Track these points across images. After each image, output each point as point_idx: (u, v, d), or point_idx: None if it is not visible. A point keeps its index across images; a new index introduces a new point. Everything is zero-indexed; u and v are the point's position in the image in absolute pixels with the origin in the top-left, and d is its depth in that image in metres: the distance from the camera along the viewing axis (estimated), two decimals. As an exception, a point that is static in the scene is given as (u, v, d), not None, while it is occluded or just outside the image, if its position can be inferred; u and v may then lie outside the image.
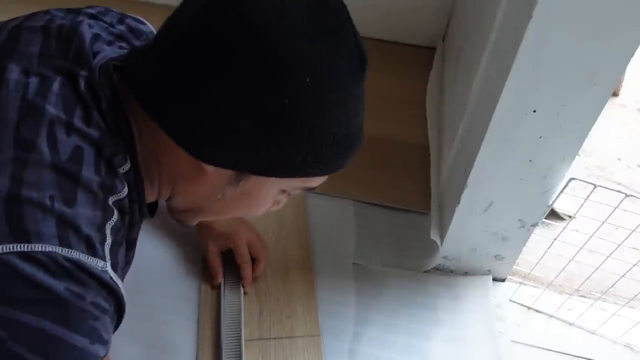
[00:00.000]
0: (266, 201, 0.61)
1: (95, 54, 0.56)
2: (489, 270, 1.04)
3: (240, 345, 0.89)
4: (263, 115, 0.50)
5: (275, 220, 1.08)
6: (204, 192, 0.57)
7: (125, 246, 0.58)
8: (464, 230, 0.95)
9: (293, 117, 0.51)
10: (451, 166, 1.02)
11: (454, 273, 1.05)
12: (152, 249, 0.99)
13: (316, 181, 0.59)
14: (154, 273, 0.96)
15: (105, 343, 0.51)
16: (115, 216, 0.52)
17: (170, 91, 0.52)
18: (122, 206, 0.54)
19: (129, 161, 0.54)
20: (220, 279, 0.94)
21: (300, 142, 0.52)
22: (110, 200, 0.52)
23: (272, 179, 0.56)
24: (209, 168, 0.54)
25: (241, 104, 0.50)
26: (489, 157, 0.82)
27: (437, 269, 1.05)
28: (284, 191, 0.60)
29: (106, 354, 0.52)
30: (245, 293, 0.95)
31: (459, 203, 0.90)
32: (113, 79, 0.55)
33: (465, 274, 1.05)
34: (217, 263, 0.94)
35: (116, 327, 0.56)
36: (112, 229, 0.52)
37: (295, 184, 0.58)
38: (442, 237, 0.99)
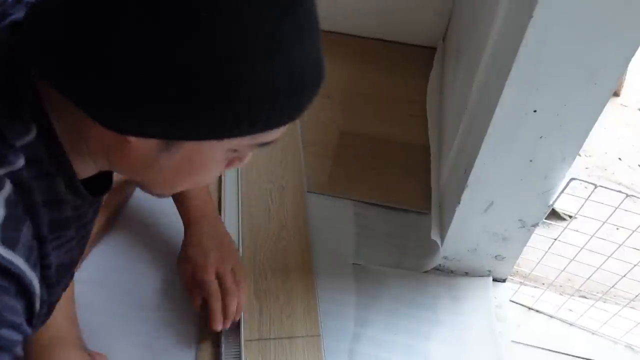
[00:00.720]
0: (214, 166, 0.54)
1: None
2: (489, 271, 1.03)
3: (240, 345, 0.89)
4: (175, 74, 0.43)
5: (275, 220, 1.08)
6: (137, 164, 0.52)
7: (57, 226, 0.54)
8: (464, 230, 0.95)
9: (213, 73, 0.43)
10: (451, 166, 1.02)
11: (454, 273, 1.05)
12: (151, 251, 0.99)
13: (270, 135, 0.51)
14: (153, 275, 0.96)
15: (11, 326, 0.46)
16: (8, 188, 0.47)
17: (69, 59, 0.45)
18: (20, 179, 0.48)
19: (34, 132, 0.49)
20: (199, 303, 0.90)
21: (226, 100, 0.45)
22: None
23: (210, 142, 0.49)
24: (132, 139, 0.48)
25: (148, 64, 0.42)
26: (490, 157, 0.82)
27: (437, 269, 1.05)
28: (235, 150, 0.53)
29: (22, 340, 0.47)
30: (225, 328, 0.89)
31: (459, 203, 0.90)
32: (11, 41, 0.49)
33: (466, 274, 1.05)
34: (189, 289, 0.91)
35: (33, 314, 0.51)
36: (5, 200, 0.47)
37: (243, 142, 0.51)
38: (442, 237, 0.99)
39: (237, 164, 0.58)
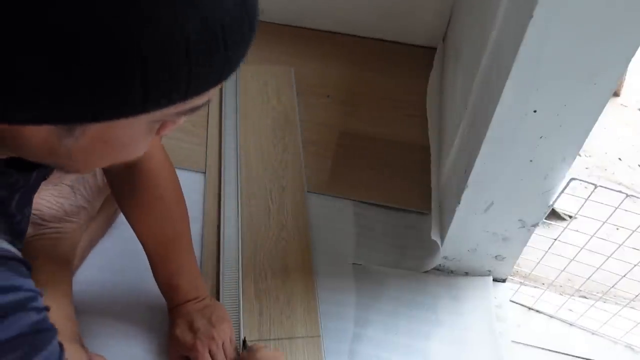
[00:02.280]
0: (137, 141, 0.48)
1: None
2: (489, 271, 1.03)
3: (239, 345, 0.89)
4: (48, 42, 0.35)
5: (275, 220, 1.08)
6: (41, 151, 0.46)
7: None
8: (465, 230, 0.95)
9: (96, 37, 0.35)
10: (451, 166, 1.02)
11: (454, 273, 1.05)
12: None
13: (198, 100, 0.45)
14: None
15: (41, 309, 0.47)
16: None
17: None
18: None
19: None
20: None
21: (124, 71, 0.37)
22: None
23: (122, 120, 0.42)
24: (25, 128, 0.42)
25: (17, 39, 0.35)
26: (490, 157, 0.82)
27: (437, 269, 1.05)
28: (161, 120, 0.47)
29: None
30: None
31: (459, 203, 0.90)
32: None
33: (466, 274, 1.04)
34: None
35: None
36: None
37: (167, 112, 0.44)
38: (442, 237, 0.99)
39: (171, 127, 0.52)
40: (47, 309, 0.49)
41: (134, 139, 0.47)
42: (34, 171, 0.58)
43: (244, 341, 0.89)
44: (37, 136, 0.43)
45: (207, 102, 0.47)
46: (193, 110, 0.46)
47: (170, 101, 0.41)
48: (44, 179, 0.64)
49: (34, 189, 0.61)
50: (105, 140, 0.45)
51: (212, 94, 0.46)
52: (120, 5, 0.35)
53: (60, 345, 0.49)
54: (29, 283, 0.49)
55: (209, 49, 0.39)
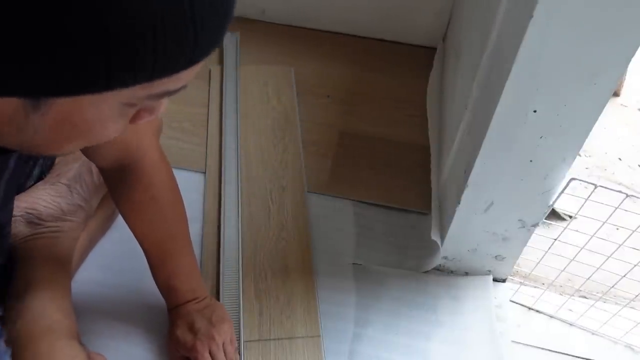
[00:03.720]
0: (103, 122, 0.46)
1: None
2: (489, 271, 1.03)
3: (240, 346, 0.89)
4: (8, 13, 0.35)
5: (275, 220, 1.08)
6: (8, 130, 0.45)
7: None
8: (465, 230, 0.95)
9: (57, 11, 0.35)
10: (451, 166, 1.02)
11: (454, 273, 1.05)
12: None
13: (171, 82, 0.43)
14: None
15: None
16: None
17: None
18: None
19: None
20: None
21: (85, 43, 0.36)
22: None
23: (87, 96, 0.41)
24: None
25: None
26: (490, 157, 0.82)
27: (437, 269, 1.05)
28: (132, 104, 0.46)
29: None
30: None
31: (459, 203, 0.90)
32: None
33: (466, 274, 1.04)
34: None
35: None
36: None
37: (137, 94, 0.43)
38: (442, 237, 0.99)
39: (147, 116, 0.50)
40: None
41: (102, 121, 0.46)
42: (8, 156, 0.57)
43: None
44: (3, 113, 0.42)
45: (182, 87, 0.45)
46: (165, 94, 0.45)
47: (135, 79, 0.40)
48: (34, 176, 0.64)
49: (15, 180, 0.60)
50: (73, 120, 0.44)
51: (186, 78, 0.44)
52: None
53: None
54: None
55: (177, 27, 0.38)
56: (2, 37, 0.36)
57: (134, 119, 0.49)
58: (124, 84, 0.40)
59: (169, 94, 0.45)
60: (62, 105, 0.42)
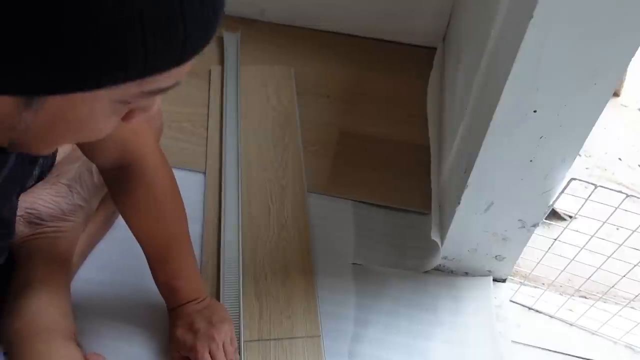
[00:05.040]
0: (96, 120, 0.46)
1: None
2: (489, 271, 1.03)
3: (239, 346, 0.89)
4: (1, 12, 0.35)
5: (275, 220, 1.08)
6: (0, 127, 0.45)
7: None
8: (465, 230, 0.95)
9: (47, 9, 0.35)
10: (451, 166, 1.02)
11: (454, 273, 1.05)
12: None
13: (162, 80, 0.43)
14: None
15: None
16: None
17: None
18: None
19: None
20: None
21: (75, 40, 0.36)
22: None
23: (79, 94, 0.41)
24: None
25: None
26: (490, 157, 0.82)
27: (438, 270, 1.05)
28: (125, 102, 0.45)
29: None
30: None
31: (459, 203, 0.90)
32: None
33: (466, 274, 1.04)
34: None
35: None
36: None
37: (129, 91, 0.43)
38: (442, 238, 0.99)
39: (140, 114, 0.50)
40: None
41: (95, 118, 0.46)
42: (6, 155, 0.57)
43: None
44: None
45: (175, 85, 0.46)
46: (158, 92, 0.45)
47: (127, 76, 0.41)
48: (34, 176, 0.64)
49: (15, 178, 0.59)
50: (65, 117, 0.44)
51: (178, 76, 0.44)
52: None
53: None
54: None
55: (166, 24, 0.39)
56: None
57: (127, 117, 0.49)
58: (115, 81, 0.40)
59: (161, 91, 0.45)
60: (54, 103, 0.42)
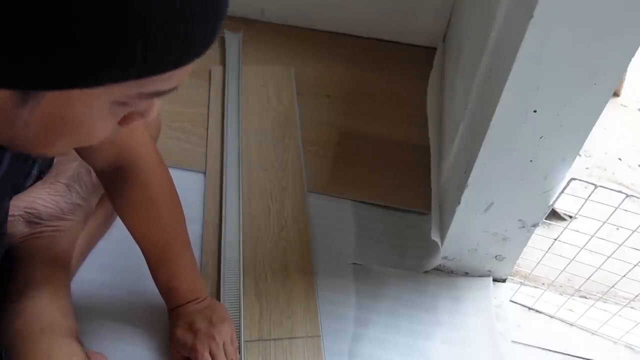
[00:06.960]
0: (93, 121, 0.45)
1: None
2: (489, 271, 1.03)
3: (240, 346, 0.89)
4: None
5: (275, 220, 1.08)
6: None
7: None
8: (465, 230, 0.95)
9: (47, 5, 0.35)
10: (451, 166, 1.02)
11: (454, 273, 1.05)
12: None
13: (162, 82, 0.43)
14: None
15: None
16: None
17: None
18: None
19: None
20: None
21: (75, 36, 0.36)
22: None
23: (77, 91, 0.41)
24: None
25: None
26: (490, 157, 0.82)
27: (437, 270, 1.05)
28: (124, 103, 0.45)
29: None
30: None
31: (459, 203, 0.90)
32: None
33: (466, 274, 1.04)
34: None
35: None
36: None
37: (128, 92, 0.43)
38: (442, 238, 0.99)
39: (138, 119, 0.49)
40: None
41: (92, 118, 0.45)
42: (1, 153, 0.56)
43: None
44: None
45: (173, 89, 0.45)
46: (156, 94, 0.44)
47: (125, 75, 0.40)
48: (33, 176, 0.63)
49: (9, 178, 0.59)
50: (62, 115, 0.44)
51: (177, 79, 0.44)
52: None
53: None
54: None
55: (167, 23, 0.38)
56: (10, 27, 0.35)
57: (125, 121, 0.49)
58: (114, 79, 0.40)
59: (159, 94, 0.45)
60: (51, 100, 0.42)
